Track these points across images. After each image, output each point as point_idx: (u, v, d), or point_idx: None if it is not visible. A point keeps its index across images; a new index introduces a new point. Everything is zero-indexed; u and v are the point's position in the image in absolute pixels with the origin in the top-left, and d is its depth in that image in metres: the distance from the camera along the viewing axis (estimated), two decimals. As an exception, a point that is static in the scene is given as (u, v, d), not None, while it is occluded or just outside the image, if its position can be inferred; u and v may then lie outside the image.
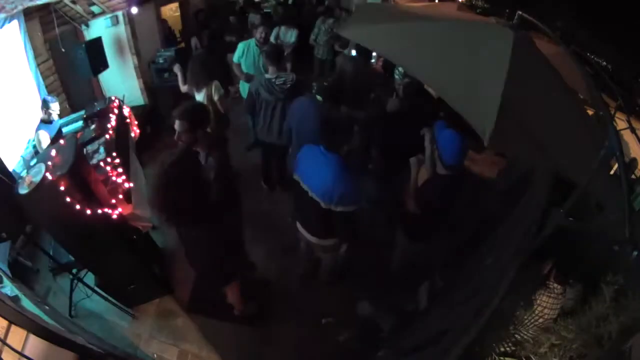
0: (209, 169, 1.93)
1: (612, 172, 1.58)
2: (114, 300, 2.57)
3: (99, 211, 2.03)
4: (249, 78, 3.66)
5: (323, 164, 2.02)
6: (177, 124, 1.96)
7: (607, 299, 1.26)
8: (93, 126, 2.73)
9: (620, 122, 2.33)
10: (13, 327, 1.26)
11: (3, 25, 2.74)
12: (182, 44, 5.88)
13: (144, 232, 2.60)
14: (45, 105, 2.88)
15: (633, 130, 2.13)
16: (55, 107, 2.91)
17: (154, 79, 4.77)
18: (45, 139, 2.74)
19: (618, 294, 1.26)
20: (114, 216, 2.13)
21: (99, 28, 4.00)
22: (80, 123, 2.90)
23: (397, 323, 2.40)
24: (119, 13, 4.10)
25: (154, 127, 4.39)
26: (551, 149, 1.31)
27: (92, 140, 2.55)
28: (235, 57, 3.75)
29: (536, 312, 1.43)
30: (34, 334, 1.24)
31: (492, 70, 1.36)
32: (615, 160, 1.12)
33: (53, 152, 1.99)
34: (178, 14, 6.36)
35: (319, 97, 2.65)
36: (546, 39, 2.44)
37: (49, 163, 1.89)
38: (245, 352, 2.48)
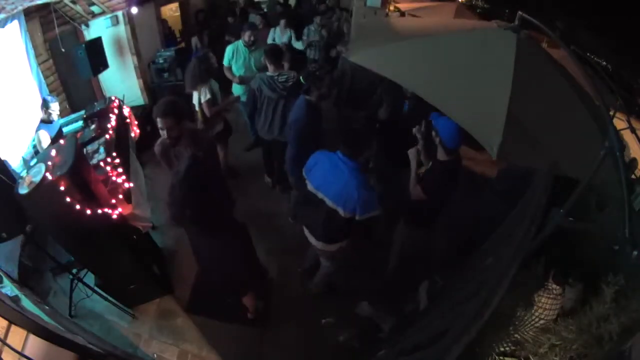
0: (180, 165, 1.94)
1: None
2: (114, 300, 2.57)
3: (99, 211, 2.03)
4: (242, 80, 3.68)
5: (344, 174, 1.99)
6: (161, 122, 2.02)
7: (608, 300, 1.26)
8: (93, 126, 2.73)
9: (621, 122, 2.32)
10: (13, 327, 1.26)
11: (4, 25, 2.74)
12: (182, 44, 5.89)
13: (144, 232, 2.60)
14: (45, 105, 2.88)
15: (633, 130, 2.12)
16: (55, 107, 2.91)
17: (153, 79, 4.77)
18: (45, 138, 2.74)
19: (618, 295, 1.26)
20: (114, 216, 2.13)
21: (99, 28, 4.00)
22: (80, 123, 2.90)
23: (397, 323, 2.40)
24: (119, 13, 4.10)
25: (154, 127, 4.38)
26: (556, 153, 1.31)
27: (92, 140, 2.55)
28: (226, 61, 3.76)
29: (536, 312, 1.43)
30: (34, 334, 1.24)
31: (496, 82, 1.37)
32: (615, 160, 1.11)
33: (53, 152, 1.99)
34: (178, 14, 6.36)
35: (301, 79, 2.66)
36: (546, 43, 2.44)
37: (49, 163, 1.89)
38: (245, 352, 2.48)
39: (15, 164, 2.74)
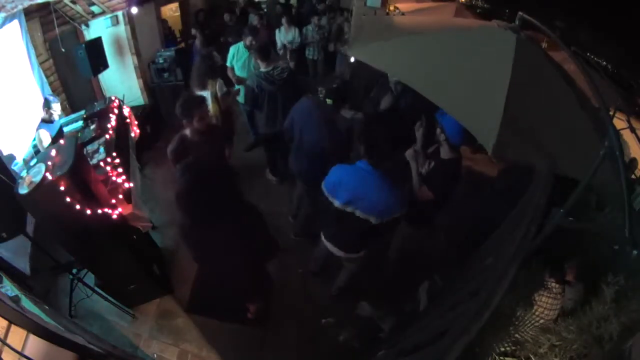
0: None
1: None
2: (114, 300, 2.57)
3: (99, 211, 2.03)
4: (238, 81, 3.71)
5: (373, 184, 1.97)
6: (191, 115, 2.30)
7: (608, 300, 1.26)
8: (93, 126, 2.72)
9: (621, 122, 2.32)
10: (13, 327, 1.26)
11: (3, 25, 2.73)
12: (182, 44, 5.88)
13: (144, 232, 2.60)
14: (47, 104, 2.88)
15: (633, 130, 2.12)
16: (57, 107, 2.91)
17: (154, 79, 4.77)
18: (46, 138, 2.73)
19: (618, 295, 1.26)
20: (114, 216, 2.13)
21: (99, 28, 4.00)
22: (80, 123, 2.90)
23: (397, 323, 2.40)
24: (119, 13, 4.10)
25: (154, 127, 4.39)
26: (554, 152, 1.31)
27: (92, 140, 2.55)
28: (228, 61, 3.82)
29: (536, 312, 1.43)
30: (34, 334, 1.24)
31: (494, 81, 1.37)
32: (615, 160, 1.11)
33: (53, 152, 1.99)
34: (178, 14, 6.36)
35: (328, 101, 2.60)
36: (546, 44, 2.45)
37: (49, 163, 1.89)
38: (245, 352, 2.48)
39: (19, 159, 2.74)
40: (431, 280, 2.49)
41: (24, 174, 1.92)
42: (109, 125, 2.69)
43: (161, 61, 4.69)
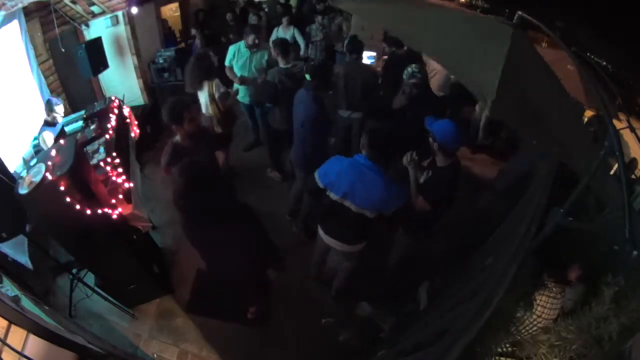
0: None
1: (612, 172, 1.58)
2: (114, 300, 2.57)
3: (99, 211, 2.03)
4: (242, 81, 3.69)
5: (373, 180, 1.98)
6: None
7: (607, 300, 1.26)
8: (93, 126, 2.72)
9: (620, 122, 2.33)
10: (13, 327, 1.26)
11: (3, 25, 2.73)
12: (182, 44, 5.89)
13: (144, 232, 2.60)
14: (49, 106, 2.85)
15: (633, 130, 2.13)
16: (59, 110, 2.87)
17: (154, 79, 4.77)
18: (49, 139, 2.72)
19: (618, 295, 1.26)
20: (114, 216, 2.13)
21: (99, 28, 4.00)
22: (80, 123, 2.90)
23: (397, 323, 2.40)
24: (119, 13, 4.09)
25: (154, 127, 4.39)
26: (552, 130, 1.28)
27: (92, 140, 2.55)
28: (227, 61, 3.78)
29: (536, 312, 1.43)
30: (34, 334, 1.24)
31: (493, 46, 1.36)
32: (615, 160, 1.11)
33: (53, 152, 1.99)
34: (178, 14, 6.36)
35: (307, 77, 2.69)
36: (546, 43, 2.44)
37: (49, 163, 1.89)
38: (246, 352, 2.48)
39: (15, 164, 2.73)
40: (431, 280, 2.50)
41: (24, 174, 1.92)
42: (109, 125, 2.69)
43: (161, 61, 4.69)
